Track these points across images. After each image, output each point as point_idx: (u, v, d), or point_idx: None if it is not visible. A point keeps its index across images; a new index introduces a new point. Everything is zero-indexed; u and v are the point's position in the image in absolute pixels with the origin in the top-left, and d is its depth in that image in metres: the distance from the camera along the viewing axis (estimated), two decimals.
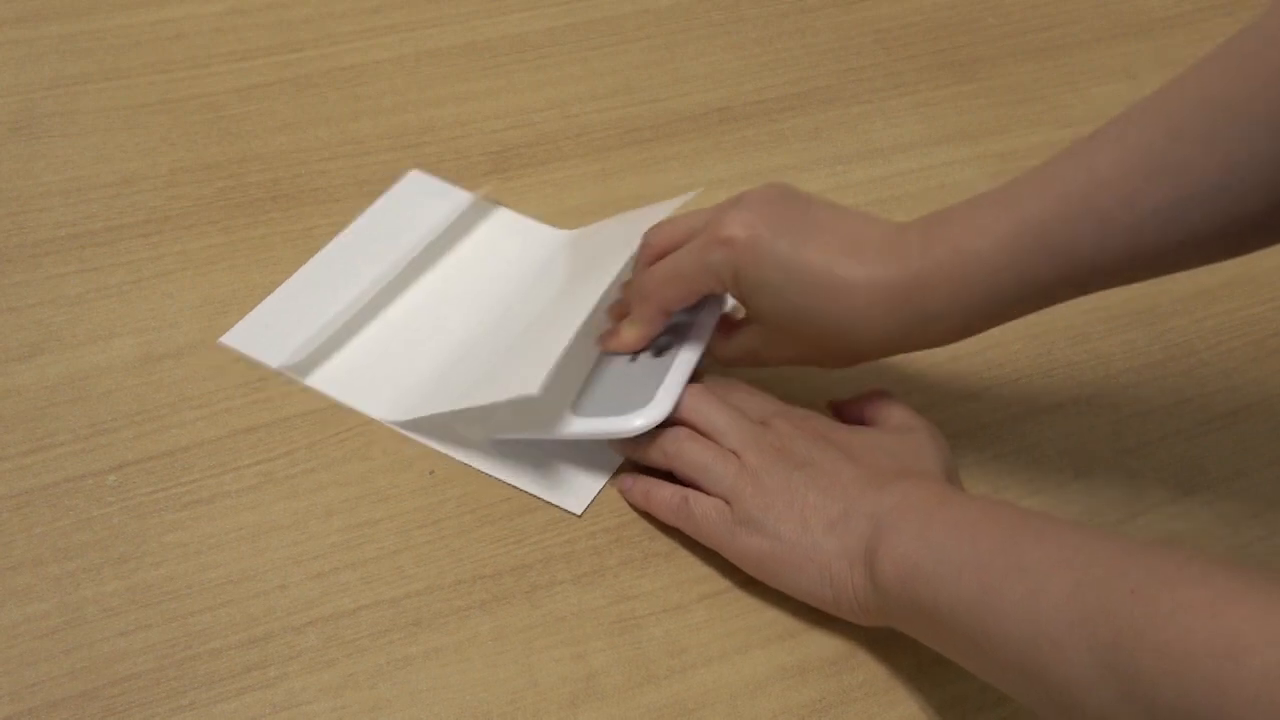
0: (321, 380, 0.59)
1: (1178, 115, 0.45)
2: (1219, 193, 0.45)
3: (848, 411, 0.57)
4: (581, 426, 0.55)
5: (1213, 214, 0.45)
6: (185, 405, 0.57)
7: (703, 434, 0.54)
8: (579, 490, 0.56)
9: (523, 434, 0.56)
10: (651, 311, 0.56)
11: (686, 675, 0.50)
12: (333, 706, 0.48)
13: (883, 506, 0.49)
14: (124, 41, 0.75)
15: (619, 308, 0.59)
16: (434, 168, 0.69)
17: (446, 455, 0.56)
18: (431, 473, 0.56)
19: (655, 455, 0.55)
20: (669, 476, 0.54)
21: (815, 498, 0.50)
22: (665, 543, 0.54)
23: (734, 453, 0.52)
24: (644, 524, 0.55)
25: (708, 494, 0.52)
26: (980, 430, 0.60)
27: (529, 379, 0.51)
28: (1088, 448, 0.60)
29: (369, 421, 0.57)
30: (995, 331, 0.63)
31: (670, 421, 0.55)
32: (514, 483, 0.56)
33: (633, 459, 0.56)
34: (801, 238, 0.51)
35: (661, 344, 0.57)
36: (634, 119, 0.74)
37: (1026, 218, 0.47)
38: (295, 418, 0.57)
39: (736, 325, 0.57)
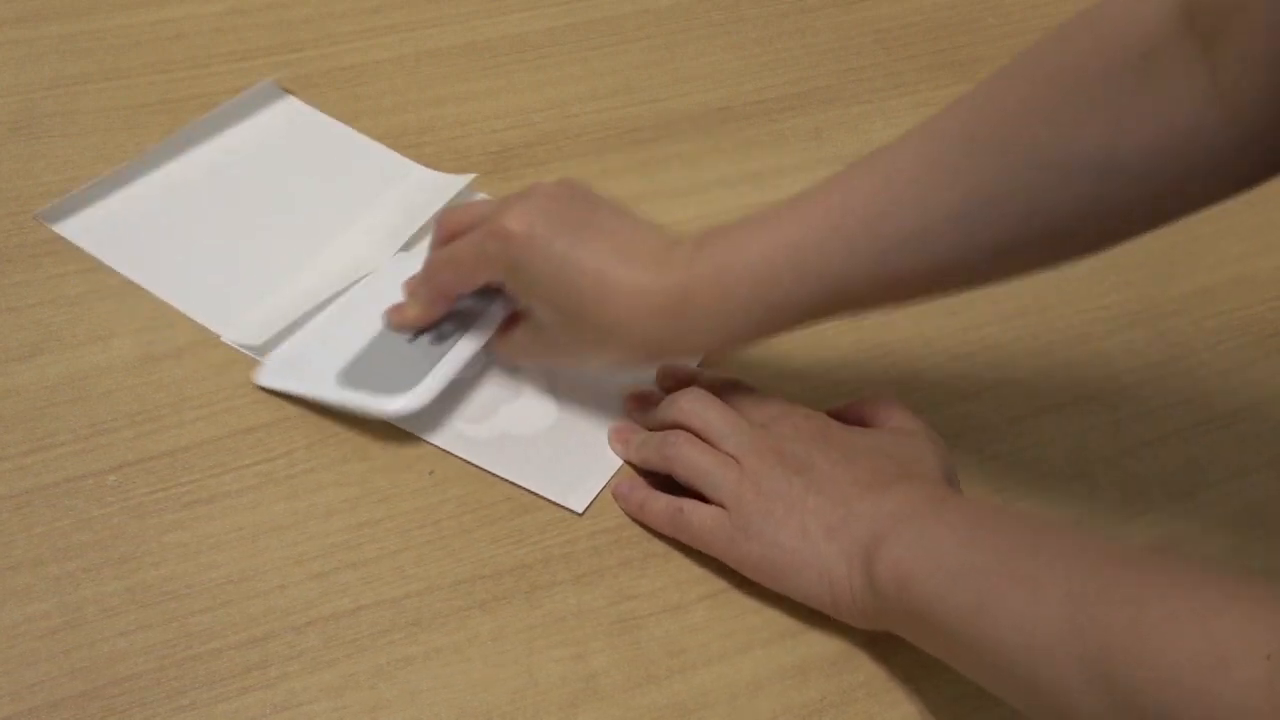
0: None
1: (926, 148, 0.48)
2: (957, 223, 0.46)
3: (848, 413, 0.57)
4: (342, 396, 0.56)
5: (952, 245, 0.47)
6: (185, 405, 0.57)
7: (702, 438, 0.53)
8: (580, 489, 0.56)
9: (288, 386, 0.57)
10: (431, 293, 0.56)
11: (686, 675, 0.50)
12: (333, 707, 0.48)
13: (882, 510, 0.48)
14: (124, 41, 0.75)
15: (413, 284, 0.58)
16: (434, 167, 0.69)
17: (446, 455, 0.56)
18: (431, 473, 0.56)
19: (654, 459, 0.55)
20: (668, 478, 0.54)
21: (815, 501, 0.50)
22: (665, 543, 0.54)
23: (733, 458, 0.52)
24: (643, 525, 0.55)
25: (706, 499, 0.52)
26: (980, 430, 0.60)
27: (254, 330, 0.57)
28: (1088, 448, 0.59)
29: (368, 421, 0.57)
30: (995, 331, 0.64)
31: (670, 424, 0.55)
32: (515, 480, 0.56)
33: (631, 461, 0.56)
34: (578, 239, 0.51)
35: (445, 330, 0.57)
36: (634, 119, 0.74)
37: (783, 239, 0.49)
38: (295, 418, 0.57)
39: (515, 320, 0.57)
